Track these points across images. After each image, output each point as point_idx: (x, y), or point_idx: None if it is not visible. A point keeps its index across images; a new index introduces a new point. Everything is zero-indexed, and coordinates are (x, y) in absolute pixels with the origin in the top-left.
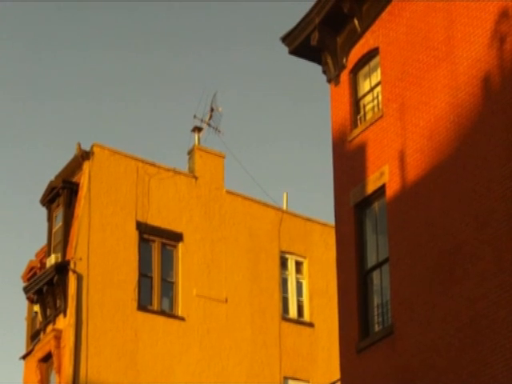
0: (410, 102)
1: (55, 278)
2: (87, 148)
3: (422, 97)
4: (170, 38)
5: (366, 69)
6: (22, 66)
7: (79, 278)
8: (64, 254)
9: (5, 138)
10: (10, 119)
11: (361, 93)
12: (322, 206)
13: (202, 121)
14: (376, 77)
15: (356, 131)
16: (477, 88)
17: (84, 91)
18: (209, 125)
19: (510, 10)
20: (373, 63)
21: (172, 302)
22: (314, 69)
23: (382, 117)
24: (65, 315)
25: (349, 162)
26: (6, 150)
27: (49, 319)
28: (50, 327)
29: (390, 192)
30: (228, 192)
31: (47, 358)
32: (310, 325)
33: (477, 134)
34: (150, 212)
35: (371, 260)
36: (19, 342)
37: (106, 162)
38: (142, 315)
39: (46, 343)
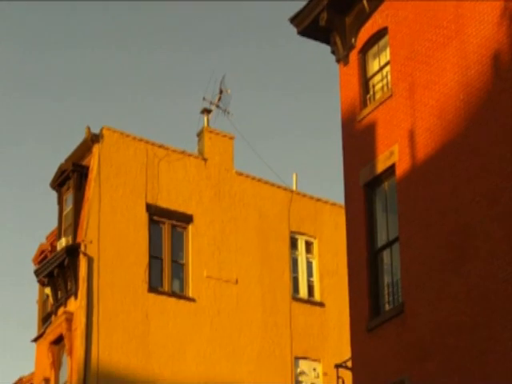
0: (419, 81)
1: (66, 261)
2: (97, 131)
3: (431, 76)
4: (179, 24)
5: (374, 48)
6: (33, 53)
7: (90, 261)
8: (74, 237)
9: (15, 122)
10: (20, 104)
11: (370, 72)
12: (332, 186)
13: (210, 103)
14: (385, 56)
15: (365, 111)
16: (486, 66)
17: (94, 76)
18: (218, 106)
19: None
20: (382, 43)
21: (182, 284)
22: (323, 49)
23: (391, 96)
24: (76, 298)
25: (358, 141)
26: (16, 135)
27: (60, 302)
28: (61, 310)
29: (399, 171)
30: (238, 173)
31: (59, 341)
32: (321, 304)
33: (486, 113)
34: (159, 194)
35: (381, 239)
36: (31, 324)
37: (116, 144)
38: (152, 297)
39: (58, 326)
